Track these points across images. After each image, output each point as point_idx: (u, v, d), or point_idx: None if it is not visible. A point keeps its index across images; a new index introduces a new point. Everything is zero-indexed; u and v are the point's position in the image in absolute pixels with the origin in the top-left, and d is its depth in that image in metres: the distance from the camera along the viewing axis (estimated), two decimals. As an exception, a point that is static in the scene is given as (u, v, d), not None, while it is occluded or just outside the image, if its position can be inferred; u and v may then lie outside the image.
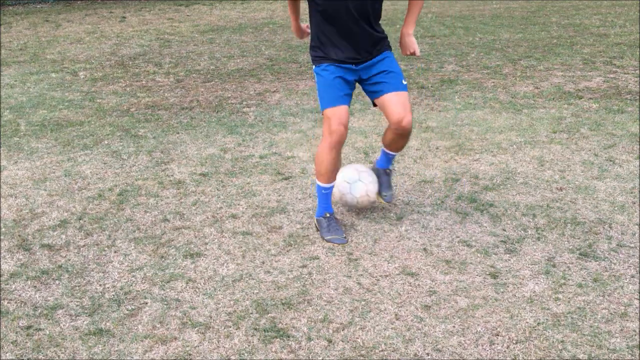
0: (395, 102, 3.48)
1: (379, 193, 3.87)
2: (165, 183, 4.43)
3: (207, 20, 12.08)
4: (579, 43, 8.85)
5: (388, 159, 3.90)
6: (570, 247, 3.48)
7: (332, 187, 3.66)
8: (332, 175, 3.58)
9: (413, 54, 3.63)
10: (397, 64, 3.58)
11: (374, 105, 3.63)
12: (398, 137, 3.63)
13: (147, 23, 11.95)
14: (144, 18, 12.61)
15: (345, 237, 3.59)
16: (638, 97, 6.20)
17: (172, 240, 3.64)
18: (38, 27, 11.79)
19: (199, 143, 5.21)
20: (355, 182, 3.74)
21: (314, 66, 3.56)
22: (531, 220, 3.78)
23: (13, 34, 11.11)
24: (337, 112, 3.44)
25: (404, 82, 3.55)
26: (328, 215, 3.65)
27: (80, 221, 3.90)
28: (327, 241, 3.57)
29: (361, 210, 3.89)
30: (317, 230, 3.67)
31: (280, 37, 10.10)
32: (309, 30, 3.66)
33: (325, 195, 3.65)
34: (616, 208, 3.90)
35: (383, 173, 3.91)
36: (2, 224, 3.88)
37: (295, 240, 3.61)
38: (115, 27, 11.50)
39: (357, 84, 3.61)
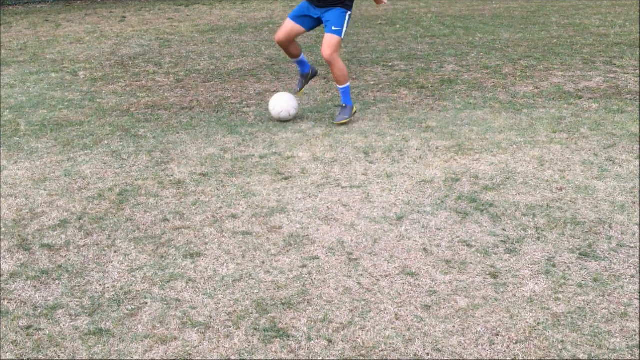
0: (324, 41, 5.36)
1: (335, 118, 5.66)
2: (165, 183, 4.43)
3: (207, 20, 12.08)
4: (579, 43, 8.85)
5: (342, 93, 5.60)
6: (570, 247, 3.48)
7: (298, 59, 5.81)
8: (288, 53, 5.76)
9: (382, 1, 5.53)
10: (338, 15, 5.28)
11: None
12: (331, 68, 5.48)
13: (147, 23, 11.95)
14: (144, 18, 12.61)
15: (298, 89, 6.05)
16: (638, 97, 6.20)
17: (172, 240, 3.64)
18: (38, 27, 11.80)
19: (199, 143, 5.21)
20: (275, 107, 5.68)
21: None
22: (531, 220, 3.78)
23: (13, 34, 11.11)
24: (286, 23, 5.51)
25: (334, 28, 5.28)
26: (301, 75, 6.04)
27: (80, 221, 3.90)
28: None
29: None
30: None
31: (280, 37, 10.09)
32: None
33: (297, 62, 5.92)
34: (616, 208, 3.90)
35: (340, 107, 5.69)
36: (2, 224, 3.88)
37: (295, 240, 3.61)
38: (115, 27, 11.50)
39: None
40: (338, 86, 5.58)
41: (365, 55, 8.42)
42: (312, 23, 5.48)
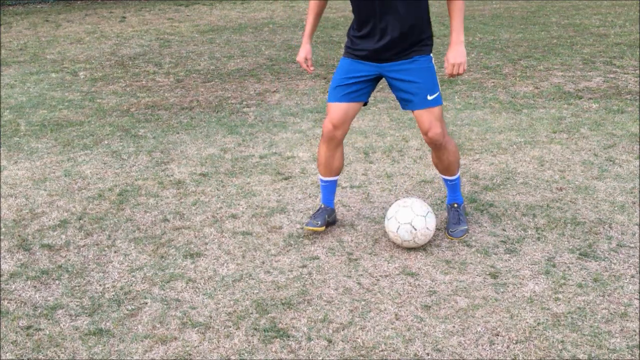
0: (423, 117, 3.30)
1: (447, 229, 3.61)
2: (165, 183, 4.43)
3: (207, 20, 12.08)
4: (579, 43, 8.85)
5: (450, 188, 3.67)
6: (570, 247, 3.48)
7: (327, 182, 3.64)
8: (325, 169, 3.59)
9: (459, 66, 3.27)
10: (430, 74, 3.29)
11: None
12: (434, 153, 3.49)
13: (147, 23, 11.95)
14: (144, 18, 12.61)
15: (319, 223, 3.55)
16: (638, 97, 6.20)
17: (172, 240, 3.64)
18: (38, 27, 11.79)
19: (199, 143, 5.21)
20: (391, 220, 3.45)
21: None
22: (531, 220, 3.78)
23: (13, 34, 11.11)
24: (331, 110, 3.42)
25: (430, 97, 3.28)
26: (322, 206, 3.69)
27: (80, 221, 3.90)
28: (305, 225, 3.62)
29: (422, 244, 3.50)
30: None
31: (280, 37, 10.10)
32: (311, 70, 3.59)
33: (323, 187, 3.69)
34: (616, 208, 3.90)
35: (450, 208, 3.68)
36: (2, 224, 3.88)
37: (295, 240, 3.61)
38: (115, 27, 11.50)
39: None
40: (447, 177, 3.62)
41: (365, 55, 8.41)
42: (370, 88, 3.42)
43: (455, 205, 3.68)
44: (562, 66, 7.54)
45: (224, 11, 13.31)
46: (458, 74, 3.29)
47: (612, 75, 7.07)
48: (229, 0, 14.88)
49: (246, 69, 7.91)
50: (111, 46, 9.71)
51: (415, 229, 3.36)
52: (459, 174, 3.63)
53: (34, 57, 9.00)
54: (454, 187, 3.66)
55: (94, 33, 10.93)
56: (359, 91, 3.38)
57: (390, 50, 3.26)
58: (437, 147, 3.40)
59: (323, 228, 3.57)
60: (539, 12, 11.84)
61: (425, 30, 3.30)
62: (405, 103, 3.37)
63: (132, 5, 14.70)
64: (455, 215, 3.63)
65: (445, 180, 3.66)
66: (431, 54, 3.34)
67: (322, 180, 3.66)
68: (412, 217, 3.37)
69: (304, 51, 3.56)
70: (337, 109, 3.39)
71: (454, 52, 3.26)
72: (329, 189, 3.67)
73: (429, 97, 3.27)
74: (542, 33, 9.71)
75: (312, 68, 3.59)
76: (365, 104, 3.50)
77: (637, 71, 7.22)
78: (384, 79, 3.41)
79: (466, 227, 3.61)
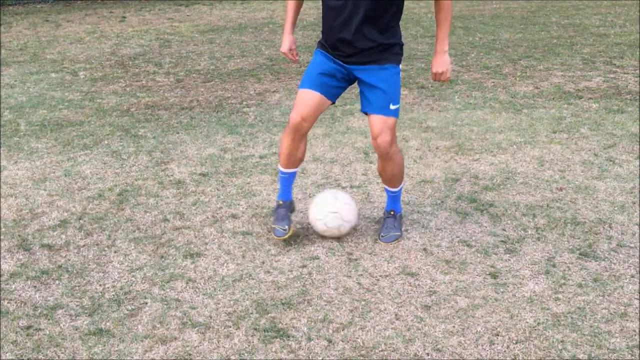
0: (375, 122, 3.31)
1: (378, 234, 3.63)
2: (165, 183, 4.43)
3: (207, 20, 12.08)
4: (579, 43, 8.85)
5: (391, 198, 3.67)
6: (570, 247, 3.48)
7: (288, 174, 3.57)
8: (288, 161, 3.50)
9: (444, 74, 3.36)
10: (393, 84, 3.31)
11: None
12: (380, 162, 3.47)
13: (147, 23, 11.95)
14: (144, 18, 12.61)
15: (284, 230, 3.49)
16: (638, 97, 6.20)
17: (172, 240, 3.64)
18: (38, 27, 11.79)
19: (199, 143, 5.21)
20: (325, 218, 3.53)
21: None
22: (531, 220, 3.78)
23: (13, 34, 11.11)
24: (301, 99, 3.35)
25: (392, 107, 3.30)
26: (280, 202, 3.61)
27: (80, 221, 3.90)
28: (272, 227, 3.58)
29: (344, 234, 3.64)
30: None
31: (280, 37, 10.10)
32: (297, 58, 3.56)
33: (281, 179, 3.60)
34: (616, 208, 3.90)
35: (387, 215, 3.68)
36: (2, 224, 3.88)
37: (295, 240, 3.61)
38: (115, 27, 11.50)
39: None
40: (389, 188, 3.62)
41: (365, 55, 8.42)
42: (341, 87, 3.42)
43: (392, 212, 3.67)
44: (562, 66, 7.54)
45: (224, 11, 13.31)
46: (443, 80, 3.38)
47: (612, 75, 7.07)
48: (229, 0, 14.88)
49: (246, 69, 7.91)
50: (111, 46, 9.71)
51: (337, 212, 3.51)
52: (401, 186, 3.63)
53: (34, 57, 9.00)
54: (394, 198, 3.66)
55: (94, 33, 10.93)
56: (333, 88, 3.37)
57: (360, 55, 3.27)
58: (383, 155, 3.38)
59: (291, 230, 3.54)
60: (539, 12, 11.84)
61: (396, 40, 3.31)
62: (366, 104, 3.35)
63: (132, 5, 14.70)
64: (391, 222, 3.63)
65: (387, 190, 3.64)
66: (400, 65, 3.36)
67: (283, 173, 3.57)
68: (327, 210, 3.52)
69: (287, 42, 3.50)
70: (310, 100, 3.32)
71: (437, 61, 3.34)
72: (289, 180, 3.61)
73: (391, 107, 3.31)
74: (542, 33, 9.71)
75: (297, 57, 3.55)
76: (332, 104, 3.47)
77: (637, 71, 7.22)
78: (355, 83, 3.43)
79: (399, 234, 3.60)
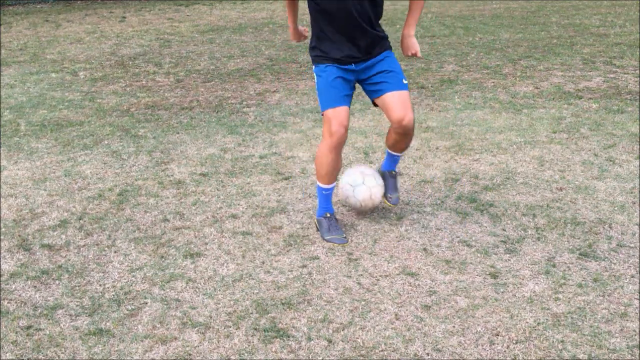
0: (396, 101, 3.43)
1: (385, 195, 3.82)
2: (165, 183, 4.43)
3: (207, 20, 12.08)
4: (579, 43, 8.85)
5: (393, 161, 3.86)
6: (570, 247, 3.48)
7: (333, 187, 3.64)
8: (332, 176, 3.57)
9: (415, 54, 3.61)
10: (398, 64, 3.54)
11: (375, 105, 3.61)
12: (400, 137, 3.59)
13: (147, 23, 11.95)
14: (144, 18, 12.61)
15: (345, 237, 3.57)
16: (638, 97, 6.20)
17: (172, 240, 3.64)
18: (38, 27, 11.79)
19: (199, 143, 5.21)
20: (359, 185, 3.70)
21: (314, 67, 3.54)
22: (531, 220, 3.78)
23: (13, 34, 11.11)
24: (337, 113, 3.41)
25: (405, 82, 3.50)
26: (329, 215, 3.64)
27: (80, 221, 3.90)
28: (327, 241, 3.55)
29: (364, 212, 3.85)
30: (317, 230, 3.67)
31: (280, 37, 10.10)
32: (306, 34, 3.67)
33: (325, 197, 3.64)
34: (616, 208, 3.90)
35: (389, 175, 3.87)
36: (2, 224, 3.88)
37: (295, 240, 3.61)
38: (115, 27, 11.50)
39: (357, 84, 3.60)
40: (398, 154, 3.80)
41: (365, 55, 8.42)
42: (352, 92, 3.57)
43: (394, 172, 3.91)
44: (562, 66, 7.54)
45: (224, 11, 13.31)
46: (416, 56, 3.62)
47: (612, 75, 7.07)
48: (229, 0, 14.87)
49: (246, 69, 7.91)
50: (111, 46, 9.71)
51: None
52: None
53: (34, 57, 9.00)
54: (396, 160, 3.86)
55: (94, 33, 10.93)
56: (348, 95, 3.50)
57: (361, 53, 3.44)
58: (407, 133, 3.54)
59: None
60: (539, 12, 11.84)
61: (383, 32, 3.53)
62: (380, 85, 3.48)
63: (132, 5, 14.70)
64: (393, 183, 3.87)
65: (394, 155, 3.82)
66: (392, 50, 3.59)
67: (325, 189, 3.62)
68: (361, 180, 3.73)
69: (295, 30, 3.76)
70: (342, 111, 3.43)
71: (408, 44, 3.61)
72: (331, 195, 3.68)
73: (404, 81, 3.51)
74: (542, 33, 9.71)
75: (307, 32, 3.67)
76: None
77: (637, 71, 7.22)
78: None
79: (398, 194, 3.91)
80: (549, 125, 5.42)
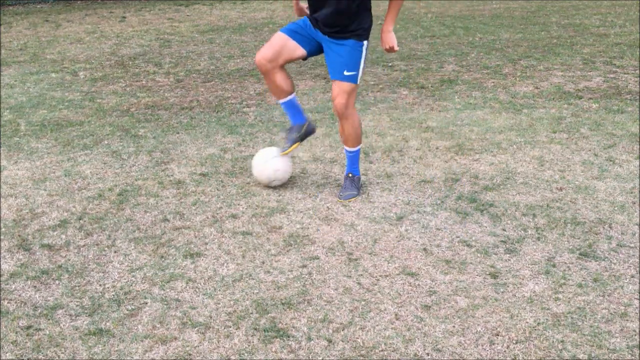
0: (335, 87, 3.88)
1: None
2: (165, 183, 4.43)
3: (207, 20, 12.08)
4: (579, 43, 8.85)
5: (349, 159, 4.18)
6: (570, 247, 3.48)
7: (285, 102, 4.11)
8: (276, 95, 4.06)
9: (391, 48, 3.91)
10: (354, 54, 3.83)
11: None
12: (339, 120, 4.01)
13: (147, 23, 11.95)
14: (144, 18, 12.61)
15: (287, 146, 4.12)
16: (638, 97, 6.20)
17: (172, 240, 3.64)
18: (38, 27, 11.80)
19: (199, 143, 5.21)
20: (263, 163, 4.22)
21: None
22: (531, 220, 3.78)
23: (13, 34, 11.11)
24: (272, 41, 3.92)
25: (347, 74, 3.83)
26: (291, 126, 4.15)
27: (80, 221, 3.90)
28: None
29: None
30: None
31: (280, 37, 10.09)
32: (307, 11, 3.99)
33: (284, 110, 4.19)
34: (616, 208, 3.90)
35: (345, 177, 4.20)
36: (2, 224, 3.88)
37: (295, 240, 3.61)
38: (115, 27, 11.50)
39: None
40: (346, 148, 4.12)
41: (365, 55, 8.42)
42: (315, 47, 3.95)
43: (350, 175, 4.17)
44: (562, 66, 7.54)
45: (224, 11, 13.31)
46: (394, 51, 3.93)
47: (612, 75, 7.07)
48: (229, 0, 14.88)
49: (246, 69, 7.91)
50: (111, 46, 9.71)
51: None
52: (358, 148, 4.13)
53: (34, 57, 9.00)
54: (352, 159, 4.15)
55: (94, 33, 10.93)
56: (305, 38, 3.90)
57: (329, 28, 3.82)
58: (339, 115, 3.95)
59: (297, 144, 4.16)
60: (539, 12, 11.84)
61: (363, 23, 3.82)
62: (329, 71, 3.91)
63: (132, 5, 14.70)
64: (349, 182, 4.15)
65: (345, 151, 4.17)
66: (365, 42, 3.87)
67: (280, 104, 4.15)
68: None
69: (297, 5, 4.08)
70: (278, 39, 3.89)
71: (386, 39, 3.92)
72: (289, 107, 4.13)
73: (345, 73, 3.83)
74: (542, 33, 9.71)
75: (307, 9, 3.96)
76: (304, 59, 3.99)
77: (637, 71, 7.22)
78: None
79: (356, 193, 4.11)
80: (549, 125, 5.42)
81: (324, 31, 3.82)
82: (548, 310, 2.93)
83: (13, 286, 3.22)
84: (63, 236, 3.72)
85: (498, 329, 2.80)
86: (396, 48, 3.90)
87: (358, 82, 3.88)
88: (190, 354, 2.70)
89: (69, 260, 3.46)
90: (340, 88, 3.85)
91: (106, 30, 11.25)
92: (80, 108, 6.35)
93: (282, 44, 3.87)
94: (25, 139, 5.43)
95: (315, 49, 3.94)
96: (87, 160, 4.88)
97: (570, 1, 13.14)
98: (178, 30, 10.99)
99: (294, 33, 3.88)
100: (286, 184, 4.35)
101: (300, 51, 3.91)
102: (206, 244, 3.60)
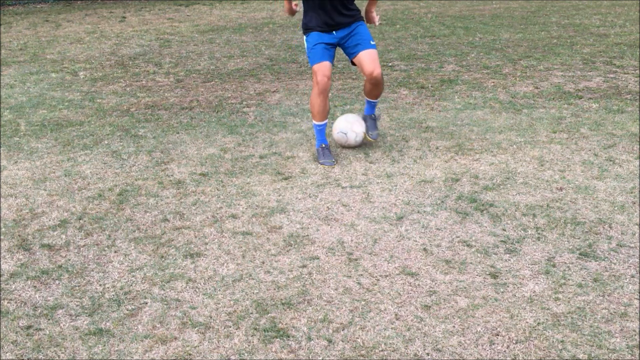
0: (367, 58, 4.57)
1: (367, 133, 4.96)
2: (165, 183, 4.43)
3: (207, 20, 12.08)
4: (579, 43, 8.85)
5: (371, 106, 4.99)
6: (570, 247, 3.48)
7: (325, 124, 4.75)
8: (322, 115, 4.70)
9: (373, 22, 4.84)
10: (367, 30, 4.64)
11: (353, 64, 4.71)
12: (373, 86, 4.72)
13: (147, 23, 11.95)
14: (144, 18, 12.61)
15: (334, 161, 4.65)
16: (638, 97, 6.20)
17: (172, 240, 3.64)
18: (38, 27, 11.79)
19: (199, 143, 5.21)
20: (349, 131, 4.89)
21: (304, 35, 4.69)
22: (531, 220, 3.78)
23: (13, 34, 11.11)
24: (321, 67, 4.55)
25: (372, 42, 4.62)
26: (323, 146, 4.73)
27: (80, 221, 3.90)
28: (321, 164, 4.62)
29: (354, 146, 4.93)
30: (316, 159, 4.71)
31: (280, 37, 10.10)
32: (297, 9, 4.64)
33: (320, 131, 4.77)
34: (616, 208, 3.90)
35: (369, 118, 5.01)
36: (2, 224, 3.88)
37: (295, 240, 3.61)
38: (115, 27, 11.50)
39: (339, 48, 4.71)
40: (374, 100, 4.96)
41: (365, 55, 8.41)
42: (334, 52, 4.71)
43: (374, 116, 5.03)
44: (562, 66, 7.54)
45: (224, 11, 13.31)
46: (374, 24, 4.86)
47: (612, 75, 7.07)
48: (229, 0, 14.88)
49: (246, 69, 7.91)
50: (111, 46, 9.71)
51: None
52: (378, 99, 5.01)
53: (34, 57, 9.00)
54: (373, 105, 4.99)
55: (94, 33, 10.93)
56: (330, 52, 4.61)
57: (338, 24, 4.59)
58: (378, 83, 4.67)
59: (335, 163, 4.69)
60: (539, 12, 11.84)
61: (355, 8, 4.65)
62: (355, 48, 4.60)
63: (132, 5, 14.70)
64: (374, 124, 5.02)
65: (370, 102, 4.95)
66: (363, 21, 4.70)
67: (319, 125, 4.75)
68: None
69: (289, 5, 4.66)
70: (325, 65, 4.55)
71: (368, 17, 4.86)
72: (324, 130, 4.80)
73: (372, 42, 4.62)
74: (542, 33, 9.71)
75: (297, 6, 4.63)
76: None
77: (637, 71, 7.22)
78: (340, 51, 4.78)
79: (378, 132, 5.06)
80: (549, 125, 5.42)
81: (339, 25, 4.58)
82: (548, 310, 2.93)
83: (13, 286, 3.22)
84: (63, 236, 3.72)
85: (498, 329, 2.80)
86: (376, 22, 4.85)
87: None
88: (190, 354, 2.70)
89: (69, 260, 3.46)
90: (371, 57, 4.56)
91: (106, 30, 11.25)
92: (80, 108, 6.35)
93: (328, 67, 4.58)
94: (25, 139, 5.43)
95: (334, 53, 4.71)
96: (87, 160, 4.88)
97: (570, 1, 13.14)
98: (178, 30, 10.99)
99: (326, 53, 4.61)
100: (286, 184, 4.35)
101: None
102: (206, 244, 3.60)
